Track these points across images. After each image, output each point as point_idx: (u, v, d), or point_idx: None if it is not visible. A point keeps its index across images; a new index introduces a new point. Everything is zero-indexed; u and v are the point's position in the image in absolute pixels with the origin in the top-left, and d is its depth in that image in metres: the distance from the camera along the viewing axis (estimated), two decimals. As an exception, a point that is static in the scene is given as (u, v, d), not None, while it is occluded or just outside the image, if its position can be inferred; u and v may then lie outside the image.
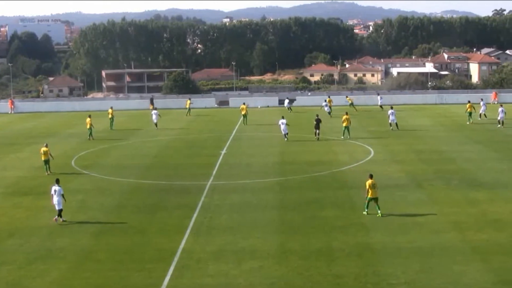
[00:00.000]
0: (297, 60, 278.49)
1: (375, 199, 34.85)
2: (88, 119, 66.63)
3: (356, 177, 44.40)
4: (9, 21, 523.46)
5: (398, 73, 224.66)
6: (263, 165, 50.21)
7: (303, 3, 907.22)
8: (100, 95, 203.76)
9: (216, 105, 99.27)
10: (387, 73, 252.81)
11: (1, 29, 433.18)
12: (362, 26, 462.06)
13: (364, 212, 35.03)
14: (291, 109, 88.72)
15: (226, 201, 38.54)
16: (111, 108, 76.88)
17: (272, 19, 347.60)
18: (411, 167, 47.58)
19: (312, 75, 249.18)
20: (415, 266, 26.91)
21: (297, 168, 48.49)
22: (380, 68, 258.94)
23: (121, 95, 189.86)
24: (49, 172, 48.58)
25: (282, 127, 62.92)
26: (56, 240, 31.77)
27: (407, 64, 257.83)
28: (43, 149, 49.22)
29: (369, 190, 34.77)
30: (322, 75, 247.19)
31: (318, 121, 63.31)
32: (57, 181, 36.15)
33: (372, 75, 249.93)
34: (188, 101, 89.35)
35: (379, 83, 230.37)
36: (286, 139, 62.23)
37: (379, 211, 34.63)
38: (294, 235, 31.42)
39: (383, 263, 27.39)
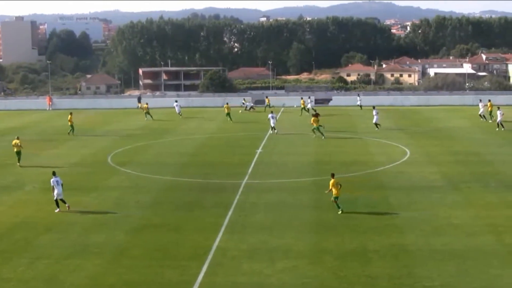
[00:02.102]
0: (334, 59, 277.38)
1: (337, 198, 35.56)
2: (69, 116, 69.76)
3: (391, 178, 44.27)
4: (48, 19, 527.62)
5: (435, 73, 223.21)
6: (298, 165, 50.21)
7: (340, 3, 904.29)
8: (137, 92, 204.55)
9: (252, 104, 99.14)
10: (424, 73, 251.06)
11: (41, 27, 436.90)
12: (399, 26, 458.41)
13: (339, 212, 35.35)
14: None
15: (261, 200, 38.57)
16: (146, 104, 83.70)
17: (309, 19, 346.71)
18: (447, 169, 47.19)
19: (348, 75, 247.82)
20: (450, 268, 26.69)
21: (332, 168, 48.05)
22: (417, 68, 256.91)
23: (157, 93, 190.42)
24: (19, 163, 51.21)
25: (272, 121, 67.36)
26: (92, 235, 32.04)
27: (444, 65, 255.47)
28: (15, 141, 51.67)
29: (333, 189, 35.53)
30: (358, 75, 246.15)
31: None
32: (54, 173, 37.73)
33: (409, 76, 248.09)
34: (268, 99, 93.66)
35: (416, 84, 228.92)
36: (275, 131, 66.81)
37: (340, 209, 35.45)
38: (329, 235, 31.36)
39: (417, 265, 27.21)
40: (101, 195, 40.74)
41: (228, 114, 78.91)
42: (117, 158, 54.24)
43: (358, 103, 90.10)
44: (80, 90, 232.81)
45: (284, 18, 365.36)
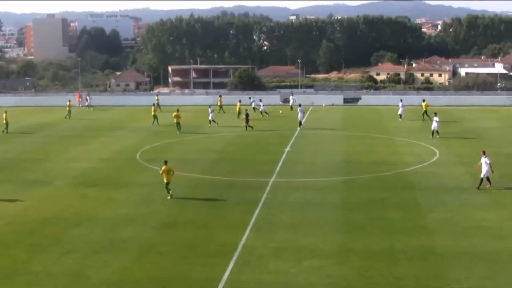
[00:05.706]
0: (364, 58, 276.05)
1: (168, 183, 38.41)
2: (4, 115, 68.98)
3: (421, 178, 43.93)
4: (79, 16, 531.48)
5: (466, 73, 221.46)
6: (327, 164, 49.99)
7: (370, 2, 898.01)
8: (166, 90, 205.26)
9: (280, 102, 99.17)
10: (454, 73, 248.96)
11: (71, 24, 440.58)
12: (430, 25, 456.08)
13: (168, 197, 38.39)
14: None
15: (288, 199, 38.48)
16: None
17: (339, 17, 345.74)
18: (477, 170, 46.67)
19: (378, 74, 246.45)
20: (479, 271, 26.38)
21: (361, 167, 48.15)
22: (447, 68, 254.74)
23: (186, 90, 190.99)
24: None
25: (300, 114, 70.46)
26: (120, 231, 32.16)
27: (475, 65, 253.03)
28: None
29: (164, 175, 38.39)
30: (388, 74, 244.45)
31: (247, 115, 70.24)
32: None
33: (440, 75, 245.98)
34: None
35: (447, 83, 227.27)
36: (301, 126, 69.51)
37: (169, 194, 38.57)
38: (356, 235, 31.19)
39: (445, 267, 26.95)
40: (130, 191, 40.95)
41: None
42: (145, 155, 54.42)
43: (291, 103, 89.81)
44: (109, 87, 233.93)
45: (313, 17, 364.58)
